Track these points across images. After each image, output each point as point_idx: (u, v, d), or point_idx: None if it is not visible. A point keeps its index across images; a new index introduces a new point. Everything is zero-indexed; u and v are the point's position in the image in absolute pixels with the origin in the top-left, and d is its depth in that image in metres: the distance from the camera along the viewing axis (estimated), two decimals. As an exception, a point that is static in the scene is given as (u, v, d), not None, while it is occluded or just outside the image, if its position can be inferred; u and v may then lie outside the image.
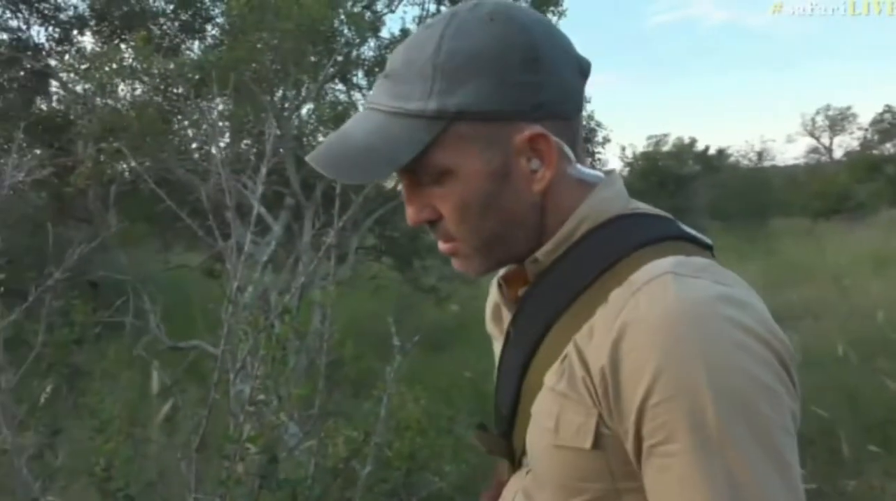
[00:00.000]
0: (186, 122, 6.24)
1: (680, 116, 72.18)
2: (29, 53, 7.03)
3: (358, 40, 6.37)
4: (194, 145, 6.32)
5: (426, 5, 6.90)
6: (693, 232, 0.84)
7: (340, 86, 7.10)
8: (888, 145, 28.36)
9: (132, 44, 5.66)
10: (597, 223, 0.81)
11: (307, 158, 0.79)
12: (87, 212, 6.78)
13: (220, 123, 6.29)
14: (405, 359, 2.81)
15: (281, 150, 5.52)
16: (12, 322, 2.21)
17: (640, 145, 24.50)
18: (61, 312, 2.62)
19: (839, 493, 3.95)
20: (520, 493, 0.85)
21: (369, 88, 7.08)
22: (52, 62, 7.10)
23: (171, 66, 5.45)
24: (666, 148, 22.91)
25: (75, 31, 7.23)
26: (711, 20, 76.95)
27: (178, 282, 8.76)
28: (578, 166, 0.81)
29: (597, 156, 9.20)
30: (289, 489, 1.71)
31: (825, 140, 33.85)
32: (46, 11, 7.26)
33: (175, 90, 5.95)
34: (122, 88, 5.52)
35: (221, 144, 6.82)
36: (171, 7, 6.94)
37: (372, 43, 6.83)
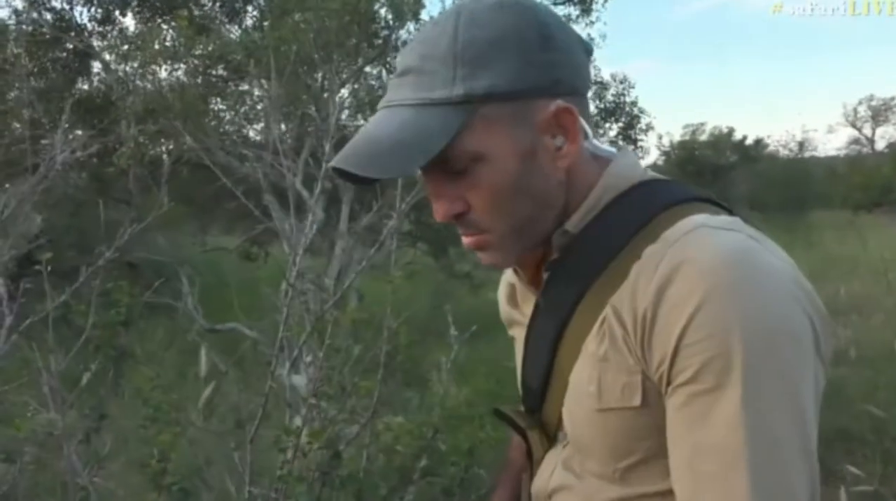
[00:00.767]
0: (224, 105, 6.23)
1: (718, 105, 71.01)
2: (72, 34, 7.06)
3: (398, 23, 6.29)
4: (230, 128, 6.31)
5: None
6: (709, 194, 0.85)
7: (374, 72, 7.03)
8: (933, 137, 27.58)
9: (173, 24, 5.64)
10: (620, 191, 0.82)
11: (333, 162, 0.78)
12: (128, 192, 6.81)
13: (258, 106, 6.27)
14: (452, 350, 2.74)
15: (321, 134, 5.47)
16: (60, 303, 2.17)
17: (677, 134, 24.18)
18: (102, 293, 2.57)
19: None
20: (559, 467, 0.85)
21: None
22: (95, 43, 7.13)
23: (211, 47, 5.42)
24: (703, 137, 22.59)
25: (117, 12, 7.24)
26: (751, 6, 75.37)
27: (214, 265, 8.81)
28: (594, 141, 0.82)
29: (639, 143, 9.03)
30: (354, 487, 1.65)
31: (867, 131, 33.10)
32: (89, -9, 7.28)
33: (215, 72, 5.93)
34: (165, 69, 5.50)
35: (259, 126, 6.81)
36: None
37: (411, 26, 6.75)
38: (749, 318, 0.68)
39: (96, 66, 7.61)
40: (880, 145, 31.94)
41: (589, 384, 0.77)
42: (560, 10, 7.41)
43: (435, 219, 0.82)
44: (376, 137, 0.77)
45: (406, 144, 0.75)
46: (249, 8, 7.00)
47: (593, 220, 0.81)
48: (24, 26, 7.01)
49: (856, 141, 33.34)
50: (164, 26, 6.20)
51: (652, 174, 0.86)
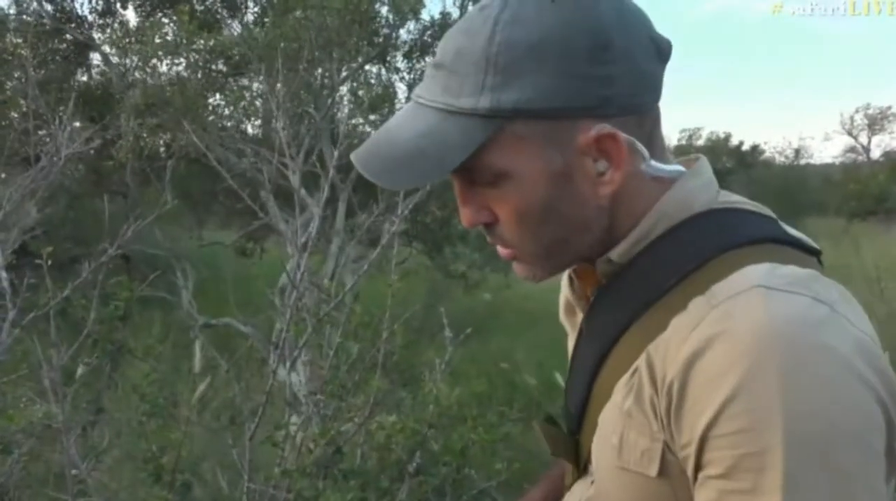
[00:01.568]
0: (223, 101, 6.23)
1: (714, 110, 71.14)
2: (72, 25, 7.05)
3: (398, 22, 6.31)
4: (229, 123, 6.31)
5: (469, -11, 6.79)
6: (798, 233, 0.74)
7: (375, 70, 7.04)
8: (929, 147, 27.71)
9: (174, 18, 5.64)
10: (677, 221, 0.72)
11: (351, 156, 0.73)
12: (124, 185, 6.80)
13: (257, 102, 6.27)
14: (446, 351, 2.75)
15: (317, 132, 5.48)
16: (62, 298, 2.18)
17: (674, 138, 24.23)
18: (96, 285, 2.58)
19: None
20: None
21: (408, 72, 7.02)
22: (95, 35, 7.11)
23: (212, 42, 5.43)
24: (700, 142, 22.62)
25: (118, 4, 7.22)
26: (752, 12, 75.55)
27: (210, 259, 8.80)
28: (654, 163, 0.72)
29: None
30: (357, 481, 1.66)
31: (863, 139, 33.20)
32: (90, -18, 7.26)
33: (215, 67, 5.93)
34: (165, 63, 5.50)
35: (257, 122, 6.81)
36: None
37: (411, 26, 6.76)
38: (793, 414, 0.57)
39: (96, 59, 7.61)
40: (876, 153, 32.06)
41: (612, 435, 0.70)
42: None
43: (462, 223, 0.76)
44: (396, 139, 0.71)
45: (423, 155, 0.69)
46: (251, 4, 7.00)
47: (644, 251, 0.73)
48: (24, 16, 7.00)
49: (852, 149, 33.44)
50: (165, 20, 6.21)
51: (724, 200, 0.75)
